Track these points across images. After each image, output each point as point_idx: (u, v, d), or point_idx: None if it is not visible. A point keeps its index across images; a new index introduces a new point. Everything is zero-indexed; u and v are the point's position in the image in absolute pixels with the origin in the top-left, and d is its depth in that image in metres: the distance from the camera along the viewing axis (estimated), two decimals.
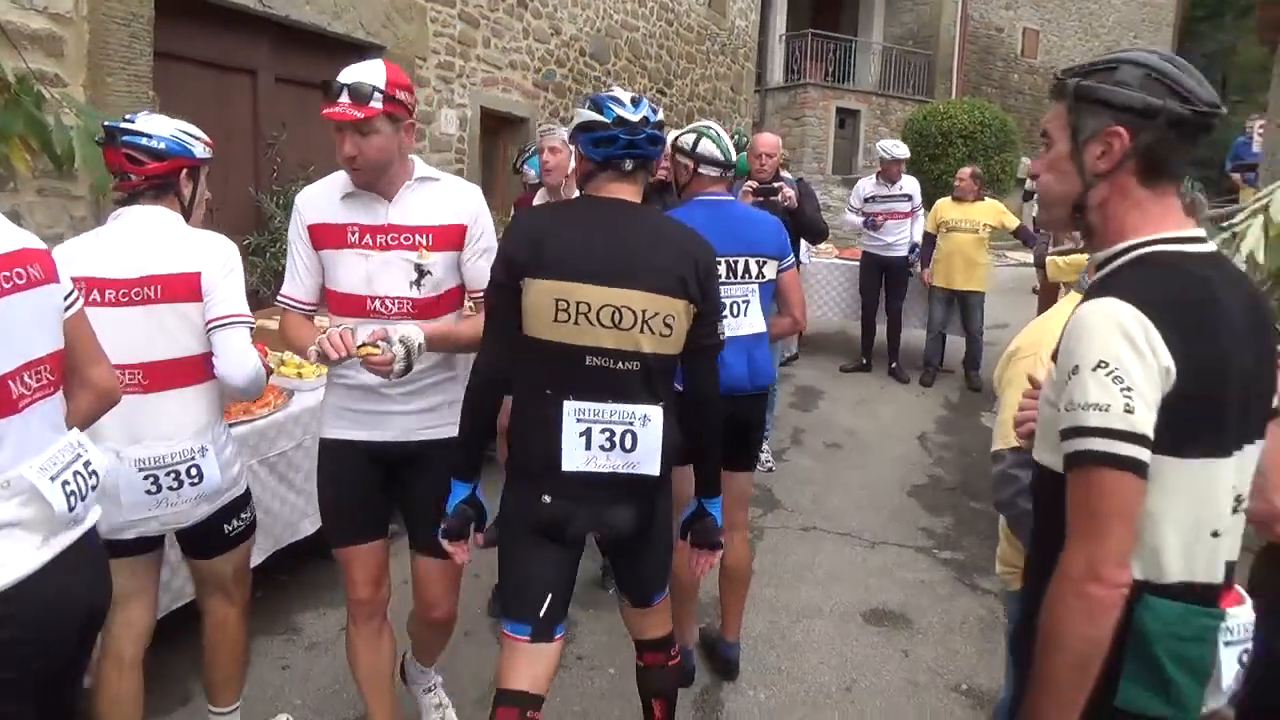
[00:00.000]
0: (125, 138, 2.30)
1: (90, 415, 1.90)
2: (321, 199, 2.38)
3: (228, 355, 2.26)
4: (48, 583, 1.64)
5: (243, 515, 2.54)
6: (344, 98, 2.14)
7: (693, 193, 3.19)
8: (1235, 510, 1.42)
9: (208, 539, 2.46)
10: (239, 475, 2.53)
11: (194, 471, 2.28)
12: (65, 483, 1.67)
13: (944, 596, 4.02)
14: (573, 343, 2.11)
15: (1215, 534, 1.39)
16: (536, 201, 4.18)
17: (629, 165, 2.19)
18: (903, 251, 7.25)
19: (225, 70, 4.68)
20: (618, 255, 2.13)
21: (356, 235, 2.33)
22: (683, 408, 2.28)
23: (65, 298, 1.74)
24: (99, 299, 2.21)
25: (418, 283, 2.32)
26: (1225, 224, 2.72)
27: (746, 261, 3.12)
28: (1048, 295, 6.97)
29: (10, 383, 1.60)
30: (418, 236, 2.31)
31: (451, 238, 2.34)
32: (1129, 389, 1.29)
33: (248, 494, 2.55)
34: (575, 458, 2.13)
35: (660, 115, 2.27)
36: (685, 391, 2.31)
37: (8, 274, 1.59)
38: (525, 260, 2.09)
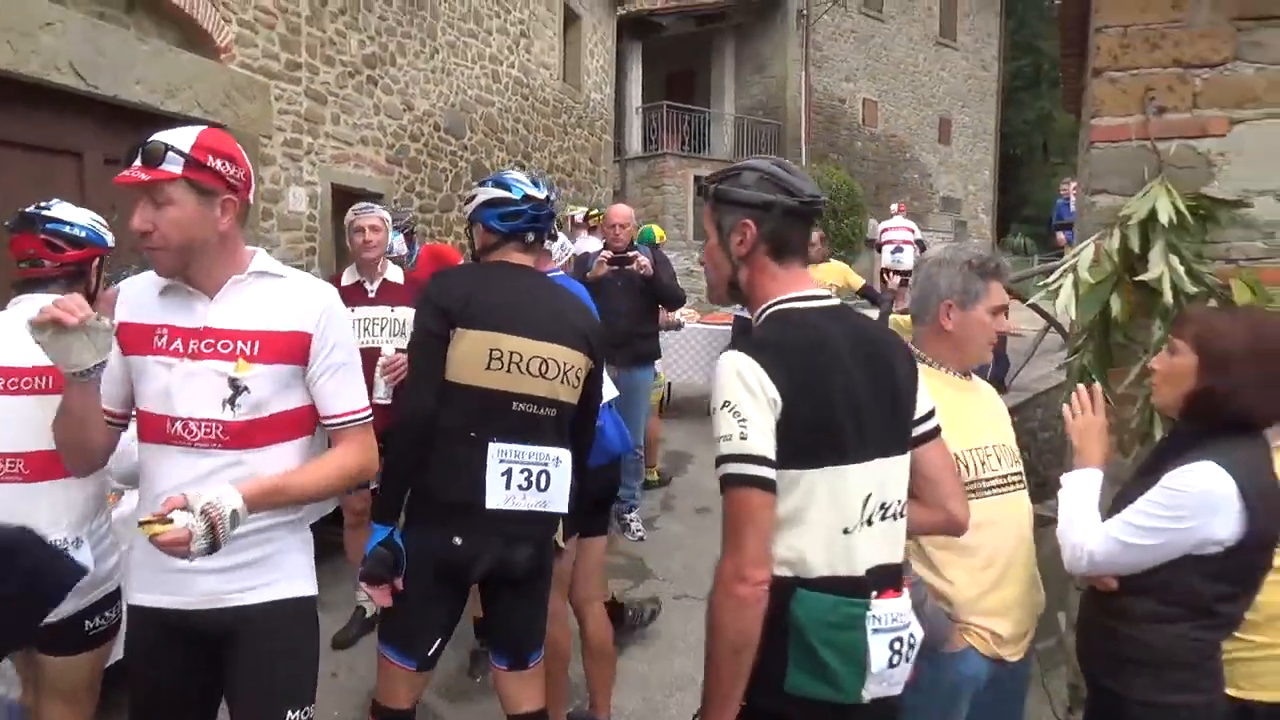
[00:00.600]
0: (48, 225, 2.28)
1: None
2: (141, 293, 1.92)
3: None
4: None
5: (108, 614, 2.30)
6: (136, 159, 1.76)
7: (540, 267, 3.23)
8: (873, 514, 1.68)
9: (65, 635, 2.20)
10: (113, 570, 2.31)
11: None
12: None
13: None
14: (503, 389, 2.31)
15: (846, 531, 1.64)
16: (345, 280, 4.06)
17: (531, 237, 2.48)
18: None
19: (48, 152, 4.42)
20: (541, 312, 2.40)
21: (165, 339, 1.85)
22: None
23: None
24: None
25: (231, 402, 1.83)
26: (1040, 283, 2.89)
27: None
28: None
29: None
30: (239, 343, 1.84)
31: (284, 348, 1.87)
32: (745, 420, 1.57)
33: (118, 592, 2.31)
34: (497, 496, 2.29)
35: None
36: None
37: None
38: (459, 311, 2.27)
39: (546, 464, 2.36)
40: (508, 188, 2.48)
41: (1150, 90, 2.77)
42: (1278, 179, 2.70)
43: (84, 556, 2.17)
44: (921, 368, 2.20)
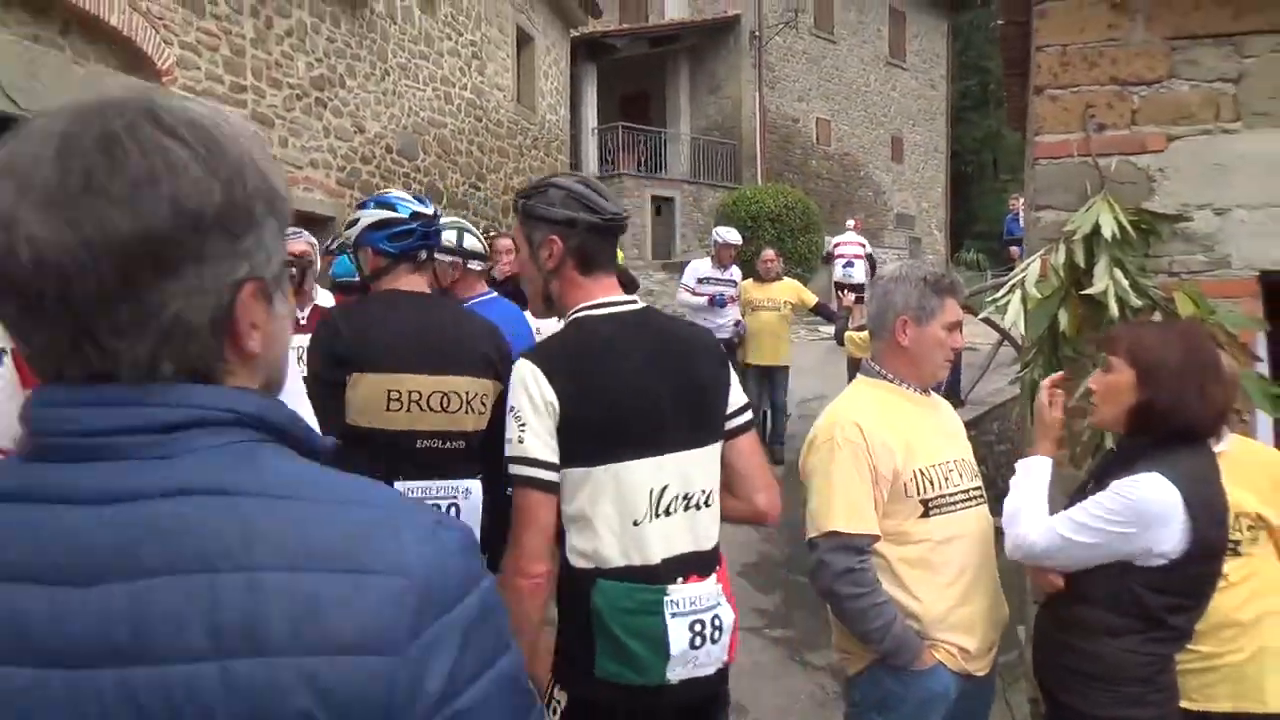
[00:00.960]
0: None
1: None
2: None
3: None
4: None
5: None
6: None
7: (462, 292, 3.19)
8: (670, 505, 1.75)
9: None
10: None
11: None
12: None
13: (776, 676, 4.01)
14: (406, 429, 2.26)
15: (636, 523, 1.70)
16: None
17: (424, 255, 2.43)
18: (728, 334, 7.44)
19: None
20: (439, 344, 2.32)
21: None
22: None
23: None
24: None
25: None
26: (990, 299, 2.91)
27: None
28: (855, 368, 7.33)
29: None
30: None
31: None
32: (524, 424, 1.67)
33: None
34: None
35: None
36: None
37: None
38: (354, 355, 2.20)
39: (455, 496, 2.33)
40: (393, 207, 2.41)
41: (1090, 107, 2.81)
42: (1213, 193, 2.74)
43: None
44: (880, 384, 2.20)
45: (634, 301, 1.88)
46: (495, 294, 3.41)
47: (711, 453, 1.84)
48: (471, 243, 3.27)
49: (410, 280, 2.40)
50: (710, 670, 1.77)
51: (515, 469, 1.69)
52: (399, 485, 2.20)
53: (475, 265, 3.28)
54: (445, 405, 2.31)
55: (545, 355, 1.75)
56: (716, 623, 1.76)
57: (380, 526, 0.70)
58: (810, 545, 2.11)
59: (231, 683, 0.62)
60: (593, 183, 1.86)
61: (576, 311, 1.82)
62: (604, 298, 1.82)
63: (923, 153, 25.11)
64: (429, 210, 2.43)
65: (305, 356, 2.32)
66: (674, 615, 1.71)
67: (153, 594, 0.64)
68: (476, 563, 0.74)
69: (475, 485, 2.35)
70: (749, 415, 1.95)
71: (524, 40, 12.13)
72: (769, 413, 7.76)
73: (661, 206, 19.07)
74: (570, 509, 1.71)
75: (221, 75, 6.01)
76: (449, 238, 3.16)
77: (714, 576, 1.80)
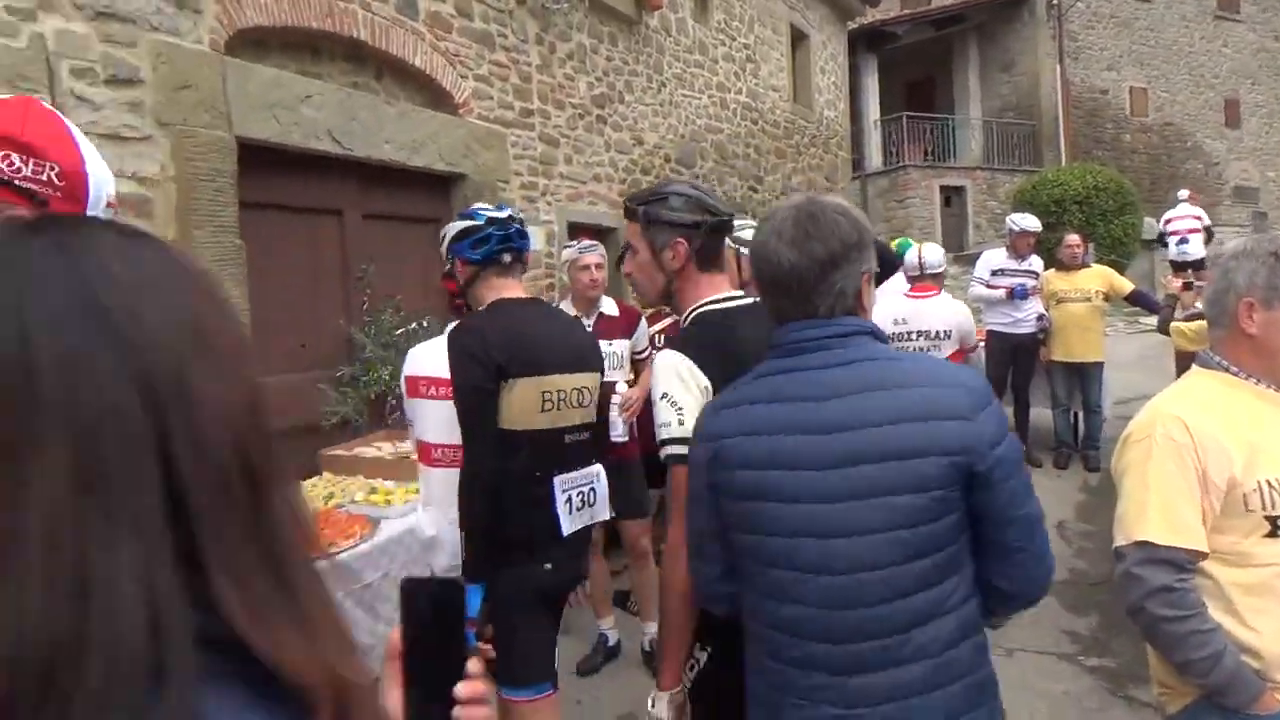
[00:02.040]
0: None
1: None
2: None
3: None
4: None
5: None
6: None
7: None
8: None
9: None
10: None
11: None
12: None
13: (1092, 710, 3.56)
14: (556, 426, 2.50)
15: None
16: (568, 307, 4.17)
17: (507, 259, 2.58)
18: (1030, 328, 6.82)
19: (313, 213, 4.87)
20: (568, 344, 2.59)
21: None
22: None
23: None
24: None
25: None
26: None
27: None
28: (1184, 364, 6.43)
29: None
30: None
31: None
32: (680, 409, 1.87)
33: None
34: (568, 523, 2.50)
35: (512, 215, 2.66)
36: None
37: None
38: (508, 362, 2.38)
39: (592, 482, 2.60)
40: (471, 217, 2.61)
41: None
42: None
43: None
44: (1224, 378, 1.86)
45: (743, 296, 2.10)
46: None
47: None
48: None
49: (505, 285, 2.57)
50: None
51: (676, 449, 1.84)
52: (557, 479, 2.47)
53: None
54: (580, 400, 2.57)
55: (691, 347, 1.94)
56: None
57: (949, 367, 1.65)
58: (1117, 555, 1.82)
59: (899, 435, 1.47)
60: (705, 188, 2.12)
61: (699, 307, 2.04)
62: (718, 294, 2.06)
63: (1266, 115, 21.82)
64: (503, 215, 2.59)
65: (455, 368, 2.40)
66: None
67: (855, 401, 1.51)
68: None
69: (600, 468, 2.66)
70: None
71: (799, 38, 11.95)
72: (1080, 414, 7.03)
73: (951, 197, 18.04)
74: None
75: (511, 102, 6.42)
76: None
77: None
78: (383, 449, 3.99)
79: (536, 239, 6.69)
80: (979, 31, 19.41)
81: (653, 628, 3.75)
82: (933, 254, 5.73)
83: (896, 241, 7.26)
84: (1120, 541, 1.81)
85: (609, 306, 4.24)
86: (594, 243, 4.31)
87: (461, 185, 5.90)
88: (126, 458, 0.50)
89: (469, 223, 2.58)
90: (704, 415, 1.71)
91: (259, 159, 4.34)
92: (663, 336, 4.39)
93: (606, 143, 7.61)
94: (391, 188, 5.37)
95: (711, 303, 2.03)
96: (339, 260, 4.99)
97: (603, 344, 3.96)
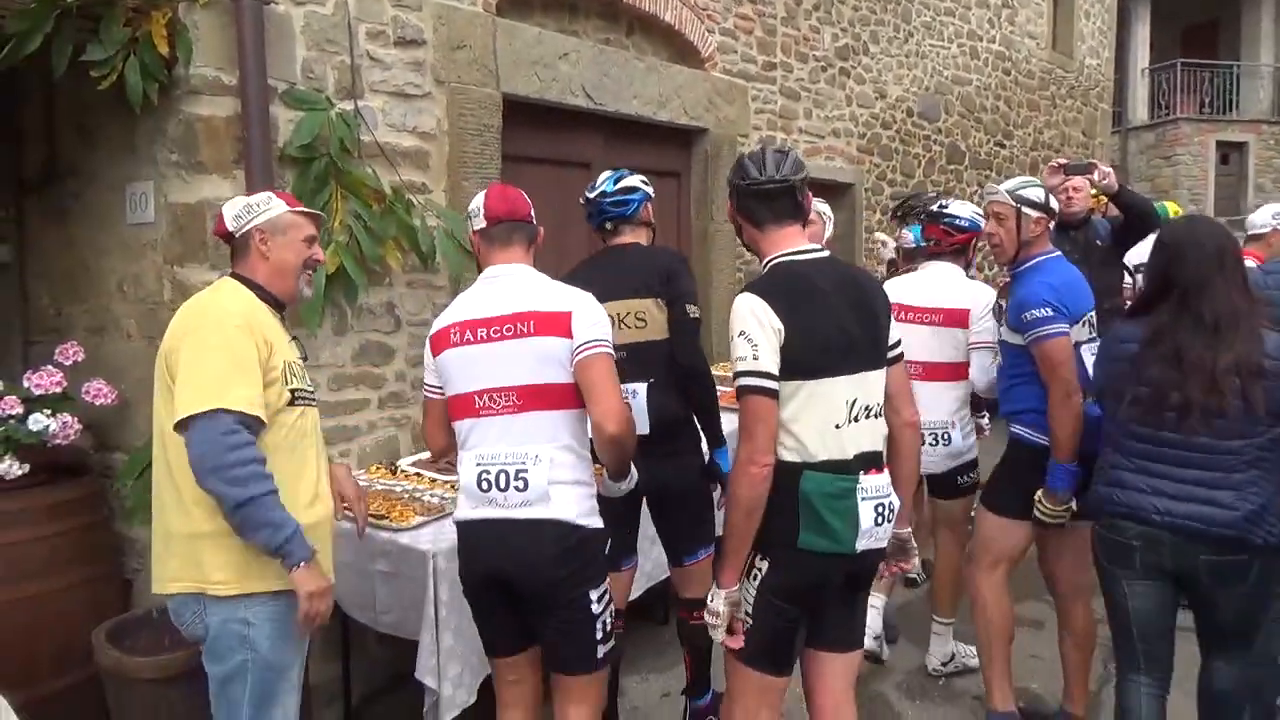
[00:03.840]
0: (944, 218, 3.95)
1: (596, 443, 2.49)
2: None
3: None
4: (470, 532, 2.51)
5: (970, 474, 3.95)
6: None
7: (1037, 249, 3.27)
8: (858, 414, 2.26)
9: (943, 484, 3.96)
10: (972, 447, 3.90)
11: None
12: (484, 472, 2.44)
13: None
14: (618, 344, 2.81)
15: (837, 426, 2.24)
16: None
17: (609, 225, 3.24)
18: None
19: (563, 165, 5.11)
20: (614, 278, 3.12)
21: None
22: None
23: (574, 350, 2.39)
24: None
25: None
26: None
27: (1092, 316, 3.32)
28: None
29: (475, 397, 2.45)
30: None
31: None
32: (756, 345, 2.19)
33: (974, 462, 3.95)
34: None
35: (625, 183, 3.23)
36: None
37: (500, 327, 2.43)
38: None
39: (628, 395, 2.80)
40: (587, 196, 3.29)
41: None
42: None
43: (956, 437, 3.76)
44: None
45: (819, 250, 2.43)
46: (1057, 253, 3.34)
47: (883, 375, 2.35)
48: (1034, 193, 3.27)
49: (614, 242, 3.27)
50: (883, 544, 2.34)
51: (749, 381, 2.19)
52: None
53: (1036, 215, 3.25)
54: (621, 322, 3.02)
55: (767, 291, 2.25)
56: (892, 505, 2.31)
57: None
58: None
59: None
60: (755, 154, 2.39)
61: (775, 258, 2.36)
62: (791, 247, 2.36)
63: None
64: (594, 193, 3.25)
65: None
66: (864, 499, 2.23)
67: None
68: None
69: (641, 387, 3.04)
70: (901, 349, 2.44)
71: None
72: None
73: (1229, 154, 16.15)
74: (785, 413, 2.22)
75: (755, 56, 6.39)
76: (1035, 194, 3.25)
77: (885, 470, 2.33)
78: None
79: None
80: None
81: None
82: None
83: (1157, 205, 6.60)
84: None
85: None
86: (995, 188, 4.12)
87: (703, 139, 5.97)
88: None
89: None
90: None
91: (520, 114, 4.60)
92: None
93: (848, 96, 7.42)
94: (637, 141, 5.53)
95: (783, 255, 2.36)
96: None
97: None
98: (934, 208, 4.06)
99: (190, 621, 2.28)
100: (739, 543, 2.25)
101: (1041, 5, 10.43)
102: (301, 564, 2.16)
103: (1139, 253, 5.48)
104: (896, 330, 2.42)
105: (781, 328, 2.18)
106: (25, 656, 3.11)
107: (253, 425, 2.16)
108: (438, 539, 3.04)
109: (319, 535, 2.34)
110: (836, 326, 2.24)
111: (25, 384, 3.36)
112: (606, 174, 3.29)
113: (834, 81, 7.23)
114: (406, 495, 3.44)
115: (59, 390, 3.38)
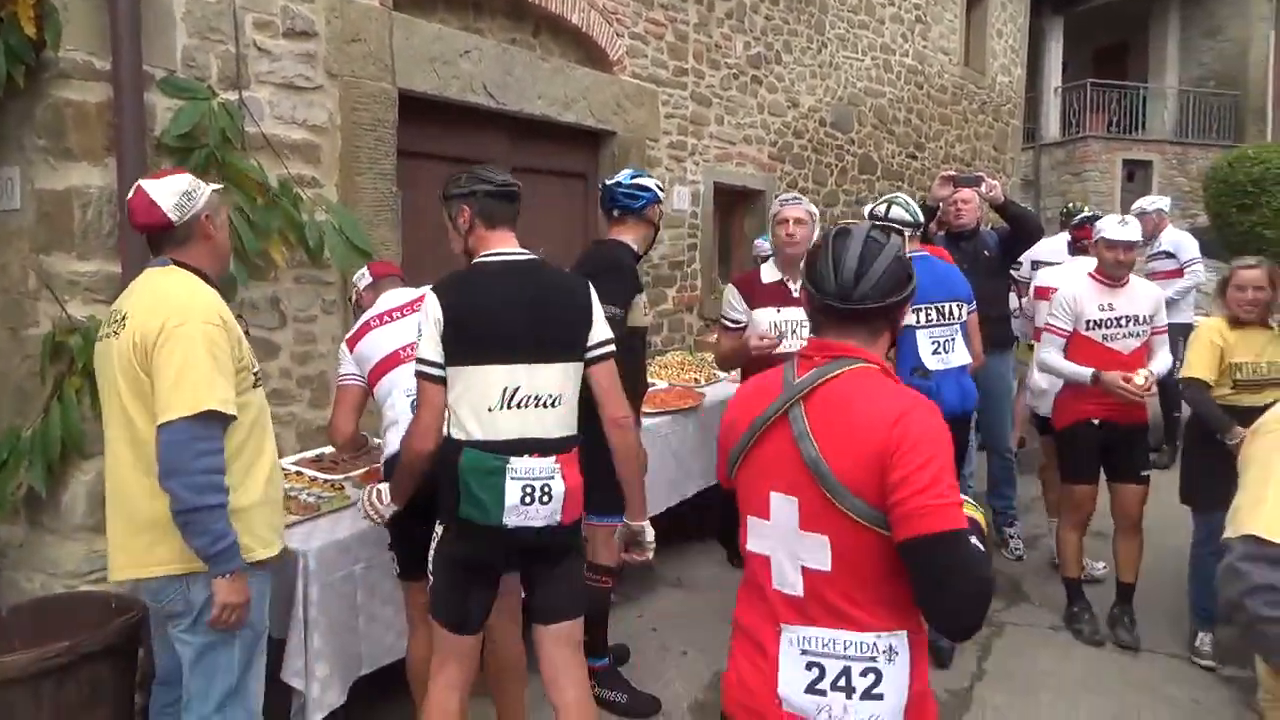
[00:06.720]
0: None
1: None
2: None
3: None
4: None
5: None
6: None
7: None
8: (521, 401, 2.45)
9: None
10: None
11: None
12: None
13: None
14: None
15: (490, 410, 2.44)
16: (765, 277, 4.09)
17: (616, 213, 3.58)
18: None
19: (465, 163, 5.04)
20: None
21: None
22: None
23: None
24: None
25: None
26: None
27: (950, 306, 3.87)
28: None
29: (400, 351, 3.07)
30: None
31: None
32: (422, 334, 2.48)
33: None
34: None
35: (638, 181, 3.56)
36: None
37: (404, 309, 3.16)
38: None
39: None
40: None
41: None
42: None
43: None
44: None
45: (529, 254, 2.61)
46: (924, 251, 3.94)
47: (565, 369, 2.53)
48: (898, 213, 3.81)
49: (616, 230, 3.60)
50: (540, 523, 2.44)
51: (418, 367, 2.49)
52: None
53: (906, 231, 3.68)
54: None
55: (441, 286, 2.52)
56: (547, 489, 2.44)
57: None
58: (1224, 547, 1.74)
59: None
60: (489, 167, 2.70)
61: (476, 260, 2.58)
62: (500, 249, 2.57)
63: None
64: (614, 180, 3.60)
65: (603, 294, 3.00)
66: (512, 478, 2.40)
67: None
68: None
69: None
70: (609, 349, 2.62)
71: None
72: None
73: (1135, 172, 16.81)
74: (451, 395, 2.46)
75: (666, 61, 6.44)
76: (878, 209, 3.85)
77: (553, 458, 2.46)
78: None
79: (683, 199, 6.73)
80: None
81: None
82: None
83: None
84: (1229, 534, 1.73)
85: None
86: (798, 196, 4.22)
87: (610, 142, 6.00)
88: None
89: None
90: None
91: (417, 110, 4.56)
92: None
93: (760, 104, 7.52)
94: (542, 141, 5.52)
95: (483, 257, 2.57)
96: None
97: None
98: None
99: (171, 599, 2.36)
100: (401, 489, 2.67)
101: (954, 22, 10.73)
102: (228, 575, 2.27)
103: (1028, 262, 5.68)
104: (599, 332, 2.60)
105: (440, 318, 2.44)
106: None
107: (228, 423, 2.30)
108: (309, 539, 2.99)
109: (283, 510, 2.70)
110: (492, 319, 2.45)
111: None
112: (628, 170, 3.67)
113: (746, 89, 7.33)
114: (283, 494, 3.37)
115: None
